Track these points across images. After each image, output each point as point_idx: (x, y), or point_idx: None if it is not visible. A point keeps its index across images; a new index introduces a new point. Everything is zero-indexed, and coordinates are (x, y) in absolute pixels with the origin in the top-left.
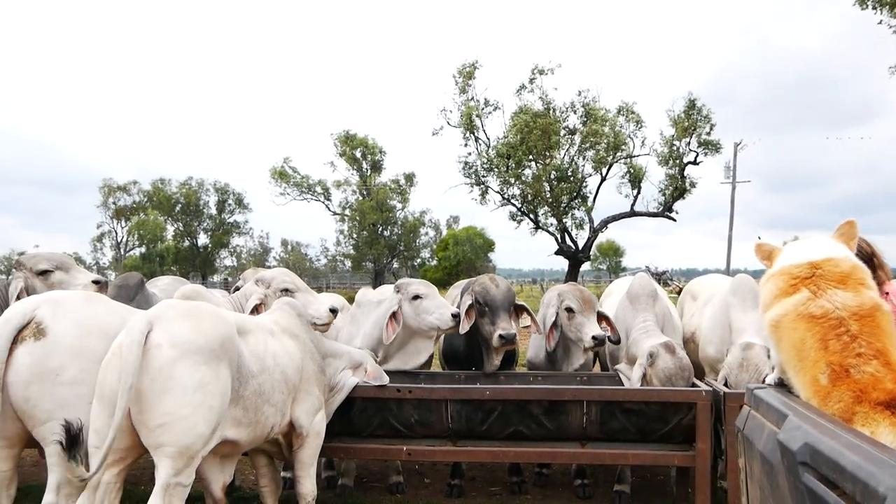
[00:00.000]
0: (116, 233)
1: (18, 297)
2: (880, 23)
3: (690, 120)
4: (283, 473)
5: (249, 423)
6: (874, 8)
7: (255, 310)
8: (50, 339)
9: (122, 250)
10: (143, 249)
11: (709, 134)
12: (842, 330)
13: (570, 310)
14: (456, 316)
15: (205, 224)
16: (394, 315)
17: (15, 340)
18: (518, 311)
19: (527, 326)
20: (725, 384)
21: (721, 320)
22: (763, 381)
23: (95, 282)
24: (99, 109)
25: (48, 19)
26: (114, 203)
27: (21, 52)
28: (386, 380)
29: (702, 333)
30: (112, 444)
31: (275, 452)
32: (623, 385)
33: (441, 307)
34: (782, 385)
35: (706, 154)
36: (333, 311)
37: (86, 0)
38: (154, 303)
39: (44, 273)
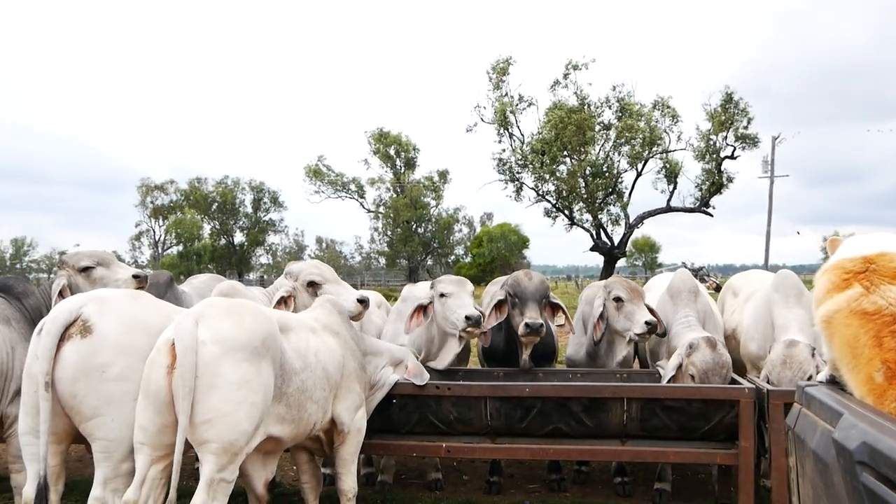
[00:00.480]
0: (154, 231)
1: (61, 294)
2: None
3: (727, 114)
4: (323, 470)
5: (292, 419)
6: None
7: (284, 302)
8: (96, 337)
9: (159, 248)
10: (180, 248)
11: (746, 128)
12: None
13: (618, 299)
14: (469, 318)
15: (241, 222)
16: (424, 310)
17: (62, 337)
18: (553, 308)
19: (560, 325)
20: (767, 381)
21: (763, 316)
22: (811, 379)
23: (136, 276)
24: (137, 110)
25: (87, 22)
26: (151, 202)
27: (60, 55)
28: (426, 377)
29: (743, 329)
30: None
31: (316, 449)
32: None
33: (462, 307)
34: (834, 382)
35: (743, 148)
36: (362, 302)
37: (125, 2)
38: (184, 301)
39: (86, 269)
